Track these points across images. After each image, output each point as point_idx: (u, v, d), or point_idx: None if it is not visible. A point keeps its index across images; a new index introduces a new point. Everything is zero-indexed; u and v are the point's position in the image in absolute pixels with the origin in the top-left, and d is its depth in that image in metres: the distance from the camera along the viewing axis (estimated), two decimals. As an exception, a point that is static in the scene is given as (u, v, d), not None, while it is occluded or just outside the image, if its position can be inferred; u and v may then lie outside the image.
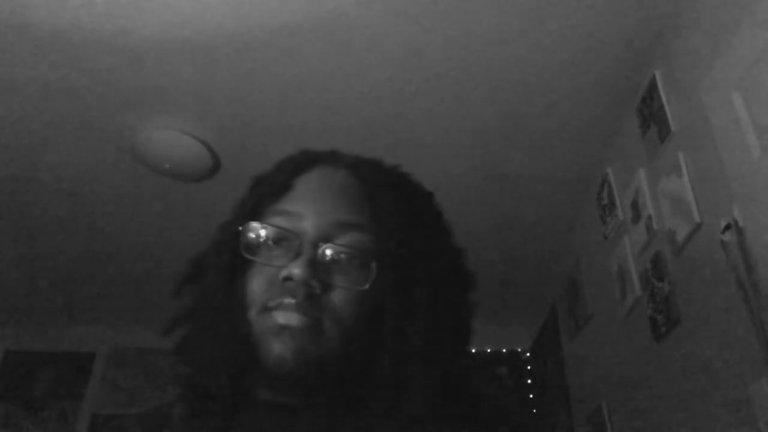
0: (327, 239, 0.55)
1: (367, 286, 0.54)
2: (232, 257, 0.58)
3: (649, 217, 1.70)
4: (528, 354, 3.33)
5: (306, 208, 0.57)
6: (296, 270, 0.53)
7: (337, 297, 0.54)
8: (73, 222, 2.49)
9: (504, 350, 3.34)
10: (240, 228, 0.58)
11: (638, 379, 1.83)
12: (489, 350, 3.28)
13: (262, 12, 1.55)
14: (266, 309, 0.54)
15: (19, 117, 1.92)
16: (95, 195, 2.32)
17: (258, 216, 0.59)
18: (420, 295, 0.55)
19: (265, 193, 0.61)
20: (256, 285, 0.56)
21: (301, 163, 0.62)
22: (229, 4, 1.53)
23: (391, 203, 0.58)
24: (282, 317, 0.53)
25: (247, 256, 0.57)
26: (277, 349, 0.52)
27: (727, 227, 1.25)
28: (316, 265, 0.54)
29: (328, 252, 0.55)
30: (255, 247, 0.57)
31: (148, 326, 3.45)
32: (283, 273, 0.54)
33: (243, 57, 1.69)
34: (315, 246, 0.54)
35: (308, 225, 0.56)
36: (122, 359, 3.45)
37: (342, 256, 0.55)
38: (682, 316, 1.53)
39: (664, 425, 1.65)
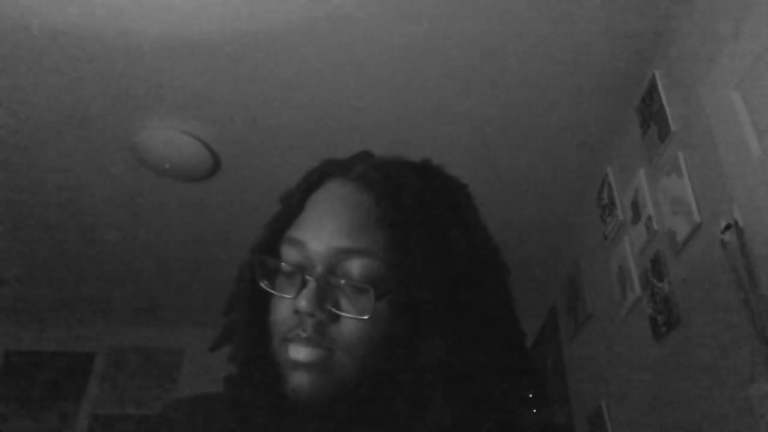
0: (330, 268, 0.55)
1: (370, 313, 0.53)
2: (252, 286, 0.58)
3: (649, 217, 1.70)
4: (528, 354, 3.33)
5: (311, 236, 0.56)
6: (302, 302, 0.53)
7: (346, 326, 0.54)
8: (73, 222, 2.49)
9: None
10: (255, 260, 0.58)
11: (638, 379, 1.83)
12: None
13: (262, 12, 1.55)
14: (284, 340, 0.55)
15: (20, 117, 1.92)
16: (95, 195, 2.32)
17: (276, 241, 0.59)
18: (431, 316, 0.53)
19: (283, 215, 0.61)
20: (276, 316, 0.57)
21: (314, 179, 0.62)
22: (229, 4, 1.53)
23: (398, 217, 0.56)
24: (294, 352, 0.54)
25: (263, 287, 0.57)
26: (293, 381, 0.53)
27: (727, 227, 1.25)
28: (322, 295, 0.53)
29: (333, 282, 0.54)
30: (272, 275, 0.58)
31: (148, 326, 3.46)
32: (293, 306, 0.54)
33: (243, 57, 1.69)
34: (319, 276, 0.54)
35: (312, 254, 0.55)
36: (122, 359, 3.45)
37: (346, 285, 0.54)
38: (682, 316, 1.53)
39: (664, 425, 1.65)
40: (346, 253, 0.55)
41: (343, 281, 0.54)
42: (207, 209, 2.35)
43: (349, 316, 0.53)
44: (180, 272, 2.84)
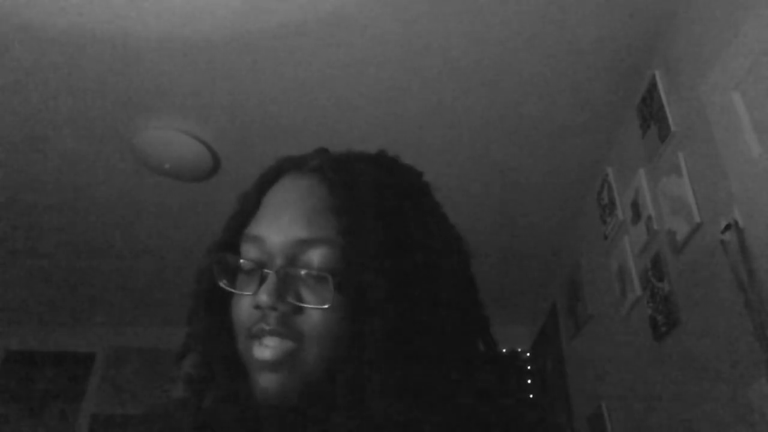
0: (290, 260, 0.54)
1: (330, 302, 0.52)
2: (212, 286, 0.58)
3: (649, 217, 1.70)
4: (528, 354, 3.33)
5: (268, 231, 0.56)
6: (262, 296, 0.52)
7: (310, 317, 0.53)
8: (73, 222, 2.49)
9: (504, 350, 3.33)
10: (214, 259, 0.58)
11: (638, 379, 1.83)
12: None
13: (262, 12, 1.55)
14: (249, 338, 0.54)
15: (20, 117, 1.92)
16: (95, 195, 2.32)
17: (234, 240, 0.59)
18: (376, 300, 0.52)
19: (241, 213, 0.61)
20: (238, 314, 0.56)
21: (269, 176, 0.62)
22: (229, 4, 1.53)
23: (353, 204, 0.55)
24: (259, 351, 0.53)
25: (223, 286, 0.57)
26: (262, 382, 0.53)
27: (727, 227, 1.25)
28: (282, 287, 0.53)
29: (292, 274, 0.54)
30: (233, 274, 0.57)
31: (148, 326, 3.47)
32: (254, 302, 0.53)
33: (243, 57, 1.69)
34: (279, 269, 0.54)
35: (271, 248, 0.55)
36: (122, 359, 3.45)
37: (305, 276, 0.53)
38: (682, 316, 1.53)
39: (664, 425, 1.65)
40: (305, 243, 0.54)
41: (303, 272, 0.54)
42: (207, 209, 2.35)
43: (311, 306, 0.53)
44: (180, 272, 2.84)
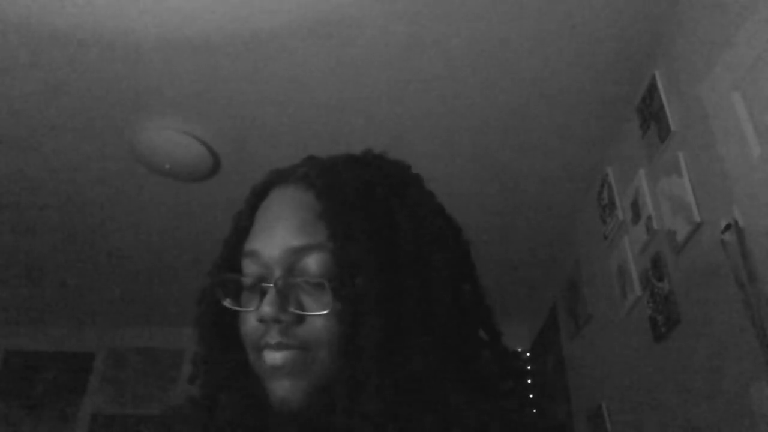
0: (287, 270, 0.55)
1: (330, 307, 0.53)
2: (217, 308, 0.59)
3: (649, 217, 1.70)
4: (528, 354, 3.33)
5: (262, 245, 0.57)
6: (264, 309, 0.53)
7: (312, 325, 0.54)
8: (73, 222, 2.49)
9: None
10: (215, 281, 0.59)
11: (638, 379, 1.83)
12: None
13: (262, 12, 1.55)
14: (256, 349, 0.55)
15: (19, 117, 1.92)
16: (95, 195, 2.32)
17: (234, 259, 0.60)
18: (370, 300, 0.53)
19: (236, 230, 0.62)
20: (245, 328, 0.57)
21: (258, 190, 0.63)
22: (229, 4, 1.53)
23: (341, 209, 0.56)
24: (269, 358, 0.54)
25: (227, 305, 0.58)
26: (277, 391, 0.53)
27: (727, 227, 1.25)
28: (283, 299, 0.54)
29: (290, 285, 0.55)
30: (237, 293, 0.58)
31: (148, 326, 3.47)
32: (257, 316, 0.54)
33: (243, 57, 1.69)
34: (277, 281, 0.54)
35: (268, 261, 0.56)
36: (122, 359, 3.45)
37: (303, 284, 0.55)
38: (682, 316, 1.53)
39: (664, 425, 1.65)
40: (299, 251, 0.55)
41: (300, 280, 0.55)
42: (207, 209, 2.35)
43: (311, 314, 0.53)
44: (180, 272, 2.84)
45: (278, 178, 0.62)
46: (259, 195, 0.62)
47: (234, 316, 0.58)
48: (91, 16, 1.56)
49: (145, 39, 1.63)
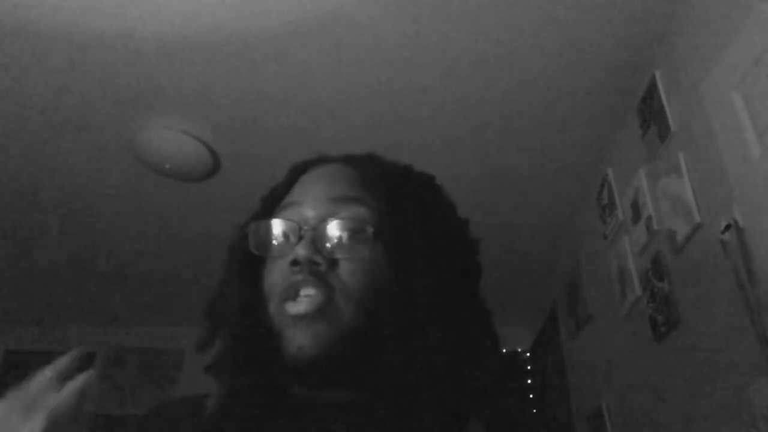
0: (326, 217, 0.57)
1: (366, 254, 0.54)
2: (244, 257, 0.60)
3: (649, 217, 1.70)
4: (528, 354, 3.33)
5: (305, 195, 0.59)
6: (300, 251, 0.54)
7: (344, 271, 0.55)
8: (73, 222, 2.49)
9: (504, 350, 3.33)
10: (248, 229, 0.60)
11: (638, 379, 1.83)
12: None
13: (262, 12, 1.55)
14: (283, 300, 0.55)
15: (20, 117, 1.92)
16: (95, 195, 2.32)
17: (268, 213, 0.61)
18: (419, 260, 0.55)
19: (274, 191, 0.65)
20: (271, 278, 0.57)
21: (299, 167, 0.66)
22: (229, 4, 1.53)
23: (385, 179, 0.60)
24: (293, 308, 0.54)
25: (257, 253, 0.59)
26: (296, 338, 0.53)
27: (727, 227, 1.25)
28: (319, 243, 0.55)
29: (328, 227, 0.56)
30: (267, 244, 0.59)
31: (148, 326, 3.47)
32: (290, 257, 0.55)
33: (243, 57, 1.69)
34: (315, 226, 0.56)
35: (308, 209, 0.58)
36: (122, 359, 3.45)
37: (342, 228, 0.56)
38: (682, 316, 1.53)
39: (664, 425, 1.65)
40: (340, 200, 0.57)
41: (340, 225, 0.56)
42: (207, 209, 2.35)
43: (348, 257, 0.55)
44: (180, 272, 2.84)
45: (319, 159, 0.66)
46: (298, 170, 0.65)
47: (259, 269, 0.59)
48: (91, 17, 1.56)
49: (145, 39, 1.63)
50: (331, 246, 0.55)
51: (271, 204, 0.62)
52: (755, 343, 1.16)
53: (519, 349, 3.35)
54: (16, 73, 1.75)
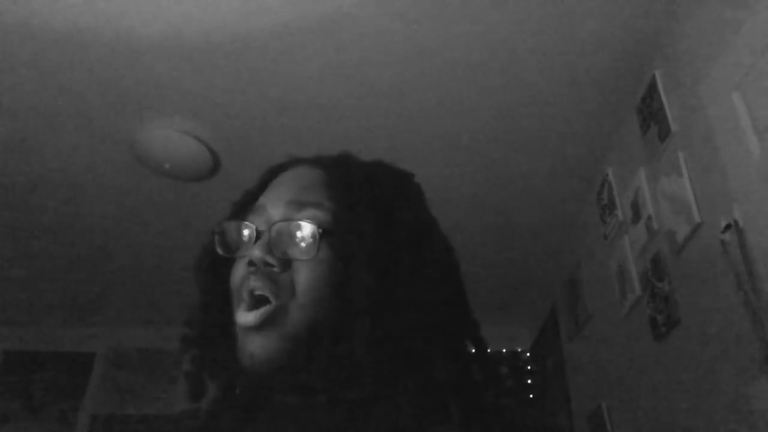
0: (282, 219, 0.58)
1: (317, 256, 0.55)
2: (213, 259, 0.61)
3: (649, 217, 1.70)
4: (528, 354, 3.33)
5: (269, 199, 0.61)
6: (254, 252, 0.56)
7: (296, 272, 0.56)
8: (73, 222, 2.49)
9: (504, 350, 3.34)
10: (216, 231, 0.61)
11: (638, 379, 1.84)
12: (489, 350, 3.27)
13: (262, 12, 1.55)
14: (238, 300, 0.57)
15: (19, 117, 1.92)
16: (95, 195, 2.32)
17: (239, 216, 0.63)
18: (362, 260, 0.55)
19: (245, 195, 0.67)
20: (232, 280, 0.59)
21: (272, 170, 0.67)
22: (229, 4, 1.53)
23: (344, 180, 0.61)
24: (241, 318, 0.56)
25: (222, 253, 0.60)
26: (247, 347, 0.55)
27: (727, 227, 1.25)
28: (273, 244, 0.56)
29: (282, 229, 0.57)
30: (230, 245, 0.61)
31: (148, 326, 3.46)
32: (246, 259, 0.56)
33: (243, 57, 1.69)
34: (271, 226, 0.58)
35: (269, 212, 0.60)
36: (122, 359, 3.45)
37: (294, 230, 0.57)
38: (682, 316, 1.53)
39: (664, 425, 1.65)
40: (297, 204, 0.59)
41: (293, 225, 0.57)
42: (207, 209, 2.35)
43: (298, 258, 0.56)
44: (180, 272, 2.84)
45: (292, 161, 0.67)
46: (272, 173, 0.67)
47: (227, 270, 0.60)
48: (91, 17, 1.56)
49: (145, 39, 1.63)
50: (284, 247, 0.56)
51: (241, 207, 0.64)
52: (755, 343, 1.16)
53: (519, 349, 3.35)
54: (16, 73, 1.75)
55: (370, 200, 0.59)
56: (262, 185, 0.65)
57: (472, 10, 1.54)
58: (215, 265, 0.62)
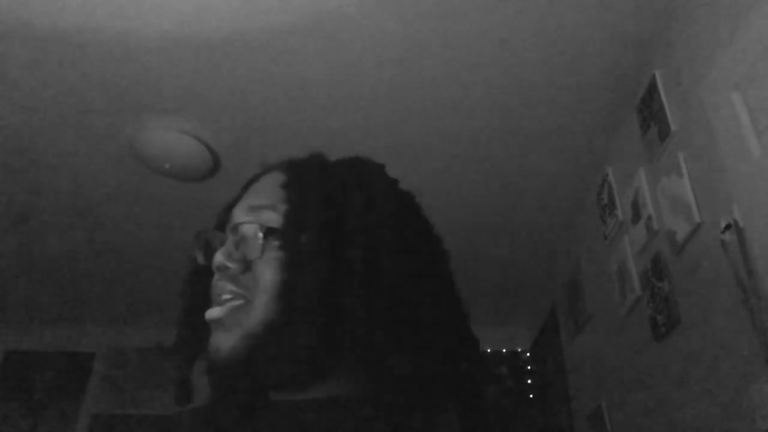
0: (239, 223, 0.61)
1: (259, 254, 0.57)
2: (194, 267, 0.65)
3: (649, 217, 1.70)
4: (528, 354, 3.33)
5: (237, 207, 0.64)
6: (216, 257, 0.59)
7: (256, 272, 0.58)
8: (72, 222, 2.49)
9: (504, 350, 3.34)
10: (195, 242, 0.65)
11: (638, 379, 1.83)
12: (489, 350, 3.28)
13: (262, 12, 1.55)
14: (211, 302, 0.60)
15: (20, 117, 1.92)
16: (95, 195, 2.32)
17: (215, 227, 0.67)
18: (312, 254, 0.56)
19: (225, 207, 0.69)
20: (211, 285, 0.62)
21: (249, 180, 0.70)
22: (229, 4, 1.53)
23: (300, 181, 0.62)
24: (208, 314, 0.59)
25: (199, 260, 0.64)
26: (213, 342, 0.58)
27: (727, 227, 1.25)
28: (233, 248, 0.59)
29: (238, 233, 0.60)
30: (205, 253, 0.64)
31: (148, 326, 3.46)
32: (214, 265, 0.60)
33: (243, 57, 1.69)
34: (230, 231, 0.61)
35: (234, 218, 0.63)
36: (122, 359, 3.45)
37: (248, 233, 0.59)
38: (682, 316, 1.53)
39: (664, 425, 1.65)
40: (256, 209, 0.61)
41: (245, 227, 0.60)
42: (207, 209, 2.34)
43: (249, 258, 0.58)
44: (180, 272, 2.83)
45: (265, 168, 0.69)
46: (250, 181, 0.69)
47: (209, 278, 0.63)
48: (91, 17, 1.56)
49: (145, 39, 1.63)
50: (243, 249, 0.59)
51: (221, 217, 0.67)
52: (755, 343, 1.16)
53: (519, 349, 3.35)
54: (16, 73, 1.75)
55: (322, 198, 0.60)
56: (240, 195, 0.68)
57: (471, 11, 1.54)
58: (196, 273, 0.65)
